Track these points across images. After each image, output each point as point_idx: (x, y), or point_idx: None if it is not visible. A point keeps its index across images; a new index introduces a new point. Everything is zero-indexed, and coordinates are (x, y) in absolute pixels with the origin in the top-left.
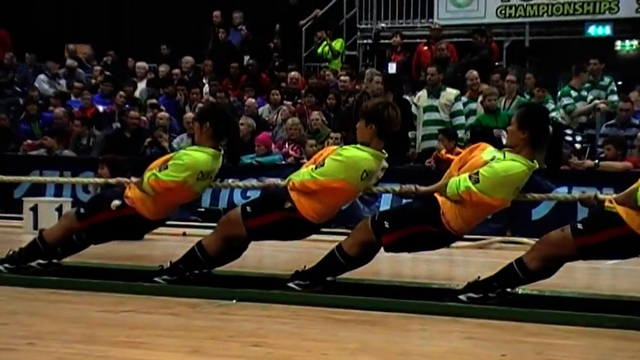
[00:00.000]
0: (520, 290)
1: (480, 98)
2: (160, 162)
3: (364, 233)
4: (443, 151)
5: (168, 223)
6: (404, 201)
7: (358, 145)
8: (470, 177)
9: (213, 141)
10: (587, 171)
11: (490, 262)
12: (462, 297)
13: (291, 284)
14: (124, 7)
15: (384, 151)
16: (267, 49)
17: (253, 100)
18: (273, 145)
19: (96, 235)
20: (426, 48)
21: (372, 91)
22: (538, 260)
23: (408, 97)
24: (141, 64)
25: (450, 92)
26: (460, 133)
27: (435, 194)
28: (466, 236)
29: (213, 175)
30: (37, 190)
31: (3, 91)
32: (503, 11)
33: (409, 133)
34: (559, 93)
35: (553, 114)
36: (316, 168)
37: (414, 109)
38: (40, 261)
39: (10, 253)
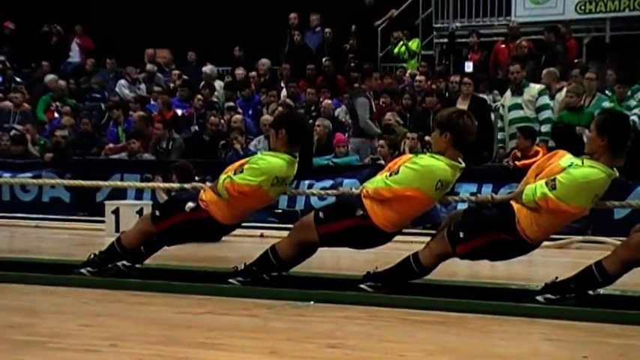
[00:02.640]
0: (602, 290)
1: (561, 94)
2: (236, 165)
3: (441, 245)
4: (519, 154)
5: (246, 224)
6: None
7: (434, 154)
8: (547, 183)
9: (288, 147)
10: None
11: (570, 262)
12: (539, 298)
13: (362, 285)
14: (202, 12)
15: (460, 160)
16: (342, 50)
17: (330, 102)
18: (349, 147)
19: (169, 237)
20: (503, 46)
21: None
22: (618, 264)
23: (485, 96)
24: (207, 68)
25: (534, 87)
26: (546, 128)
27: (511, 202)
28: None
29: (287, 181)
30: (119, 193)
31: (85, 96)
32: (582, 7)
33: (499, 134)
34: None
35: (635, 110)
36: (390, 175)
37: (500, 109)
38: (125, 262)
39: (91, 257)
